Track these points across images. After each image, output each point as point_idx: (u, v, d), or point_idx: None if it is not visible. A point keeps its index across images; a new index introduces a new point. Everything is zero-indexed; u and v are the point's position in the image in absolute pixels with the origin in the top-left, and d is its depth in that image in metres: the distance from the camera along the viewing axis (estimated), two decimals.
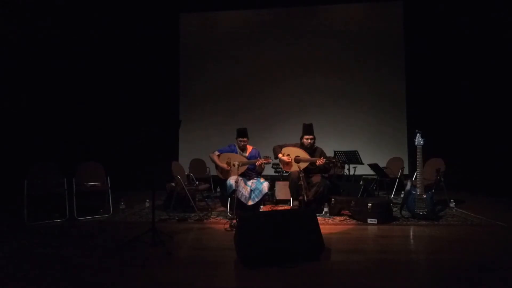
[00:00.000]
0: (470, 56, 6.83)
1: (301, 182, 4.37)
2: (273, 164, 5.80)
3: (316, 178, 4.76)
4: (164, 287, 2.36)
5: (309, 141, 4.85)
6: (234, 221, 3.93)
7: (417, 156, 4.30)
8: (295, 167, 4.68)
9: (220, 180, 5.24)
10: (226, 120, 7.47)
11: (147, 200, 5.28)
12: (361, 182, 5.69)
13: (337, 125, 7.33)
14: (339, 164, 5.67)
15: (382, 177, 5.79)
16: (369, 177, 6.30)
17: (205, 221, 4.33)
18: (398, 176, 5.86)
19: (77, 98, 7.08)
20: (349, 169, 5.68)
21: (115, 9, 7.42)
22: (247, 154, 4.95)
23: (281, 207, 5.16)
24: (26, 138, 6.07)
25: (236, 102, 7.64)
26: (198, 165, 6.83)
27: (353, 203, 4.38)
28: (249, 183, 4.73)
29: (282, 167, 5.07)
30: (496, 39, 6.55)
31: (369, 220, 4.11)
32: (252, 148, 5.01)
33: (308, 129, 4.88)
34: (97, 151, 6.64)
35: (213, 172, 5.61)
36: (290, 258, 2.69)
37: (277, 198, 5.46)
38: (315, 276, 2.51)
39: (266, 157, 4.66)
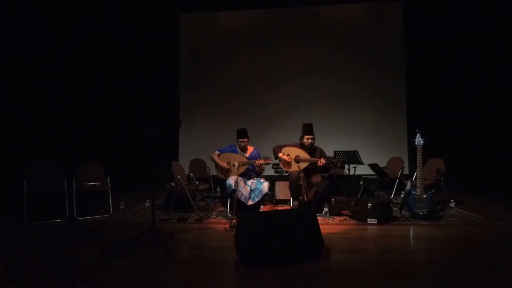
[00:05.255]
0: (470, 56, 6.82)
1: (301, 182, 4.37)
2: (273, 164, 5.80)
3: (316, 178, 4.75)
4: (164, 287, 2.36)
5: (309, 141, 4.84)
6: (234, 221, 3.92)
7: (417, 156, 4.29)
8: (295, 167, 4.68)
9: (220, 180, 5.24)
10: (226, 120, 7.46)
11: (147, 200, 5.28)
12: (361, 182, 5.68)
13: (337, 125, 7.32)
14: (339, 164, 5.68)
15: (382, 177, 5.79)
16: (369, 177, 6.30)
17: (205, 221, 4.33)
18: (398, 176, 5.86)
19: (77, 98, 7.07)
20: (349, 169, 5.68)
21: (115, 9, 7.41)
22: (247, 155, 4.93)
23: (281, 207, 5.16)
24: (26, 138, 6.06)
25: (236, 102, 7.64)
26: (198, 165, 6.82)
27: (353, 203, 4.38)
28: (249, 183, 4.72)
29: (282, 167, 5.06)
30: (496, 38, 6.55)
31: (369, 220, 4.11)
32: (253, 149, 4.99)
33: (308, 129, 4.87)
34: (97, 151, 6.63)
35: (213, 172, 5.61)
36: (290, 258, 2.68)
37: (277, 198, 5.46)
38: (315, 276, 2.51)
39: (266, 158, 4.66)
